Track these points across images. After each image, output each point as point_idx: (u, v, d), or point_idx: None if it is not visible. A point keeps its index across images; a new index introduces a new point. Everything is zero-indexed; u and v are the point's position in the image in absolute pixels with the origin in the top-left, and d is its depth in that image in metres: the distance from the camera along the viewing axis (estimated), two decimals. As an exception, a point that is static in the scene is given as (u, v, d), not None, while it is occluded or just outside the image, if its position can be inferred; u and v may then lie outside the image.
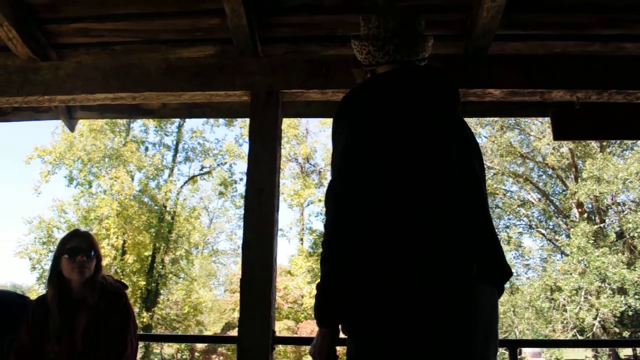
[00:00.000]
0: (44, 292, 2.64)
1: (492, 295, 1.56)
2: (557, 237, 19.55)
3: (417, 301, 1.42)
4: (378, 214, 1.47)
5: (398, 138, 1.56)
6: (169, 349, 25.50)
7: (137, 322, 2.81)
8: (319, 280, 1.51)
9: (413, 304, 1.43)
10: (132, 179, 22.43)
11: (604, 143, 17.24)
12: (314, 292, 1.53)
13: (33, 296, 2.83)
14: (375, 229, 1.46)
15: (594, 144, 17.49)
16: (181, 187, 24.64)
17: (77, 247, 2.53)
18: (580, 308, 15.80)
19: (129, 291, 2.70)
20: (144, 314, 20.58)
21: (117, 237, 20.45)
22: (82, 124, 19.96)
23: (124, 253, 20.98)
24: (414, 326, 1.42)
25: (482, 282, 1.51)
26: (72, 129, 4.13)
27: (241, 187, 24.96)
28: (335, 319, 1.51)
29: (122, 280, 2.96)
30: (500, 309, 18.11)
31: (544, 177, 21.16)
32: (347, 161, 1.53)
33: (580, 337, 15.90)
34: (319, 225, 25.35)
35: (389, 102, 1.63)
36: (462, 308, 1.45)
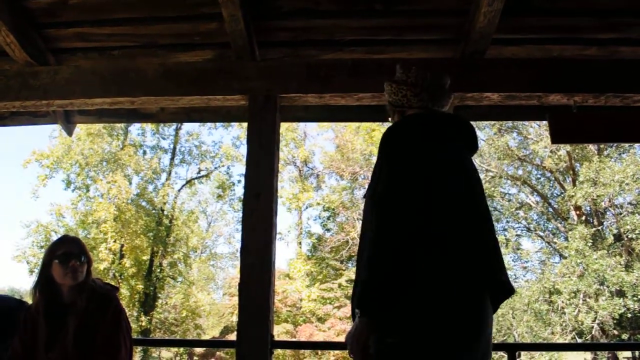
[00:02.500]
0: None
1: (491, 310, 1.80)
2: (555, 240, 19.55)
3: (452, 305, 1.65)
4: (417, 227, 1.68)
5: (434, 168, 1.81)
6: (167, 352, 25.42)
7: (135, 326, 2.81)
8: (361, 271, 1.72)
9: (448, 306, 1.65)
10: (130, 183, 22.39)
11: (601, 146, 17.26)
12: (360, 279, 1.74)
13: (31, 300, 2.83)
14: (414, 239, 1.67)
15: (591, 147, 17.51)
16: (179, 190, 24.62)
17: (69, 252, 2.54)
18: (579, 311, 15.79)
19: (127, 295, 2.71)
20: (142, 317, 20.50)
21: (114, 241, 20.39)
22: (80, 128, 19.92)
23: (121, 257, 20.92)
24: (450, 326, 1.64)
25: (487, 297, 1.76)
26: (70, 133, 4.13)
27: (239, 190, 24.94)
28: (377, 310, 1.66)
29: (119, 284, 2.96)
30: (499, 311, 18.11)
31: (542, 179, 21.17)
32: (392, 185, 1.75)
33: (579, 340, 15.90)
34: (317, 229, 25.35)
35: (429, 138, 1.91)
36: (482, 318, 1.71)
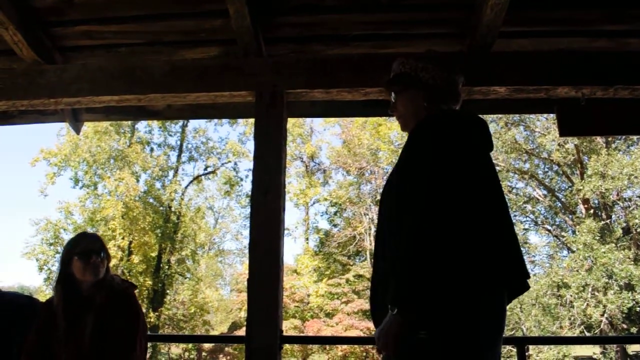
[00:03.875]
0: (51, 293, 2.65)
1: None
2: (563, 234, 19.48)
3: (494, 303, 1.72)
4: (456, 228, 1.68)
5: (476, 172, 1.81)
6: (176, 349, 25.55)
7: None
8: (397, 269, 1.67)
9: (489, 301, 1.70)
10: (138, 180, 22.50)
11: (609, 139, 17.15)
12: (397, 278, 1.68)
13: (41, 297, 2.85)
14: (452, 237, 1.67)
15: (599, 140, 17.40)
16: (186, 187, 24.71)
17: (89, 248, 2.55)
18: (587, 304, 15.74)
19: (135, 291, 2.72)
20: (151, 314, 20.66)
21: (123, 238, 20.54)
22: (87, 126, 20.01)
23: (130, 254, 21.07)
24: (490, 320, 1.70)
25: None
26: (78, 131, 4.14)
27: (246, 186, 25.01)
28: (414, 308, 1.65)
29: (130, 280, 2.96)
30: (507, 305, 18.10)
31: (549, 173, 21.08)
32: (432, 185, 1.71)
33: (587, 334, 15.85)
34: (324, 224, 25.40)
35: (470, 141, 1.87)
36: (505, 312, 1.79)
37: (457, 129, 1.87)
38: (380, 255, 1.88)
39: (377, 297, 1.85)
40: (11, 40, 3.16)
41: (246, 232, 26.95)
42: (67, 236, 21.12)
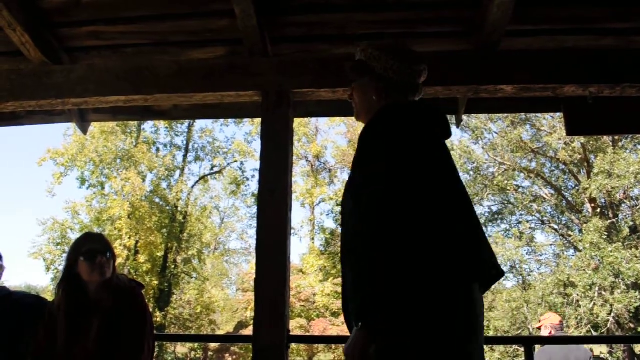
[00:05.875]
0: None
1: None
2: (569, 233, 19.40)
3: (464, 296, 1.63)
4: (422, 224, 1.63)
5: (432, 167, 1.74)
6: (182, 348, 25.62)
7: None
8: (358, 281, 1.59)
9: (460, 299, 1.62)
10: (144, 180, 22.58)
11: (617, 137, 17.06)
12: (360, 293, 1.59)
13: (48, 297, 2.85)
14: (411, 239, 1.61)
15: (606, 139, 17.32)
16: (192, 187, 24.77)
17: (95, 249, 2.55)
18: (594, 304, 15.67)
19: (142, 291, 2.71)
20: (157, 313, 20.72)
21: (129, 238, 20.61)
22: (94, 126, 20.09)
23: (136, 253, 21.13)
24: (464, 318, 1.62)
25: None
26: (85, 131, 4.16)
27: (252, 186, 25.06)
28: (381, 321, 1.58)
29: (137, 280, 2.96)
30: (513, 304, 18.06)
31: (556, 172, 20.99)
32: (392, 185, 1.65)
33: (594, 333, 15.78)
34: (330, 224, 25.39)
35: (425, 133, 1.81)
36: (481, 301, 1.71)
37: (410, 122, 1.80)
38: (345, 263, 1.79)
39: (347, 307, 1.76)
40: (19, 42, 3.18)
41: (252, 232, 27.06)
42: (74, 236, 21.22)
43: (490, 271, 1.74)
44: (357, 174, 1.74)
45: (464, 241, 1.67)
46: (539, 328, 5.39)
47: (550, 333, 5.19)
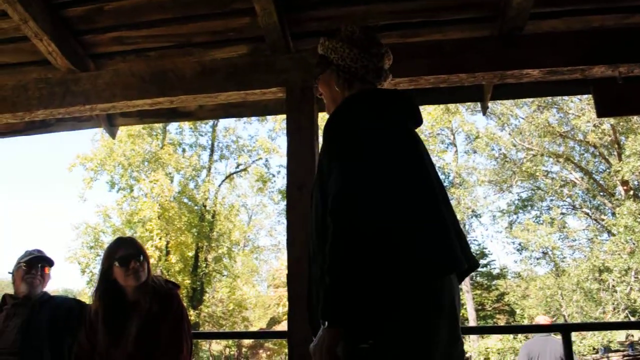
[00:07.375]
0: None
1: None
2: (602, 217, 19.05)
3: (437, 286, 1.59)
4: (388, 216, 1.57)
5: (400, 156, 1.70)
6: (217, 345, 25.95)
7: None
8: (329, 281, 1.53)
9: (433, 289, 1.58)
10: (172, 181, 22.86)
11: (647, 117, 16.66)
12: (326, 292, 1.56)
13: (84, 299, 2.91)
14: (380, 232, 1.55)
15: (636, 119, 16.92)
16: (219, 185, 25.00)
17: (127, 254, 2.58)
18: (631, 288, 15.38)
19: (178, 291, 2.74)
20: (191, 312, 21.01)
21: (160, 239, 20.89)
22: (120, 130, 20.30)
23: (167, 254, 21.43)
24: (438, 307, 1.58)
25: None
26: (113, 135, 4.23)
27: (278, 182, 25.16)
28: (347, 319, 1.54)
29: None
30: (547, 292, 17.81)
31: (585, 155, 20.61)
32: (355, 180, 1.61)
33: (632, 319, 15.48)
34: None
35: (391, 123, 1.77)
36: (457, 294, 1.68)
37: (373, 110, 1.77)
38: (312, 259, 1.77)
39: (312, 304, 1.74)
40: (46, 51, 3.24)
41: (280, 228, 27.18)
42: (106, 239, 21.61)
43: (461, 265, 1.65)
44: (324, 166, 1.71)
45: (433, 234, 1.60)
46: None
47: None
